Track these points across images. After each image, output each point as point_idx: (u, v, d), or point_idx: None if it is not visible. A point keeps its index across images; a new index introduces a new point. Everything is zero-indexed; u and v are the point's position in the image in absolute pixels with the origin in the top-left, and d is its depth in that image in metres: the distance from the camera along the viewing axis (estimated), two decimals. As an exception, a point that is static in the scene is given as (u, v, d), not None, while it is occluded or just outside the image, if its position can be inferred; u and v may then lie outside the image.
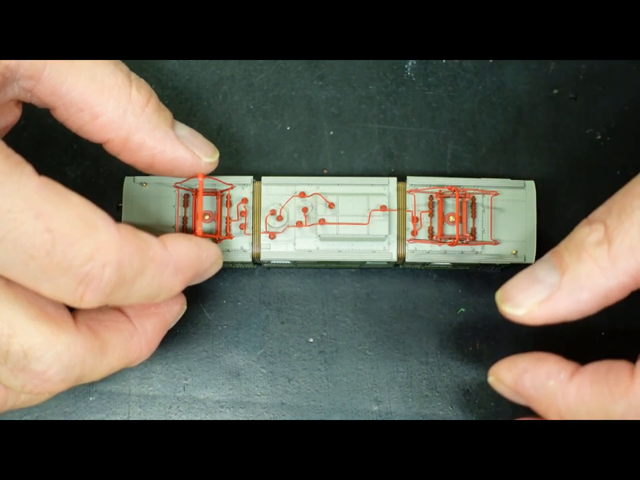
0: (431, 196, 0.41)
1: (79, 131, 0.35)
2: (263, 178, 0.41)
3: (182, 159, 0.37)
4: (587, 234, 0.34)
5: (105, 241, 0.31)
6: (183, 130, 0.37)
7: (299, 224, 0.41)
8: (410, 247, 0.41)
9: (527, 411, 0.38)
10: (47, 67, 0.34)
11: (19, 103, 0.36)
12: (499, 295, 0.36)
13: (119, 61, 0.35)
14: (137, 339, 0.37)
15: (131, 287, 0.33)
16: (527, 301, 0.35)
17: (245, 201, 0.41)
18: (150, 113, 0.35)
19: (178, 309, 0.39)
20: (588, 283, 0.34)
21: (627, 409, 0.34)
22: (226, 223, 0.41)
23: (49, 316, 0.33)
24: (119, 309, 0.37)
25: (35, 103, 0.35)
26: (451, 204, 0.41)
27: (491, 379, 0.38)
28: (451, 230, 0.41)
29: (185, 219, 0.41)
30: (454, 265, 0.42)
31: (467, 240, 0.41)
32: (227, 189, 0.41)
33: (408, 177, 0.41)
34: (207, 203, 0.41)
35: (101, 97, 0.34)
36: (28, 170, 0.31)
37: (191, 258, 0.35)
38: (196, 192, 0.40)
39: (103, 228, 0.32)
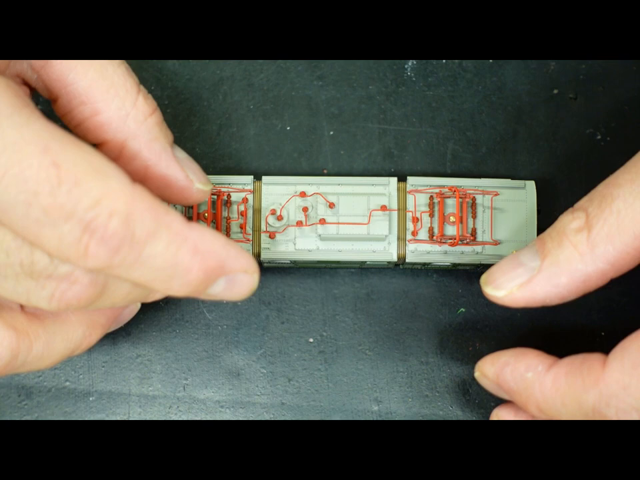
0: (431, 196, 0.41)
1: (77, 128, 0.35)
2: (264, 177, 0.41)
3: (174, 177, 0.36)
4: (569, 221, 0.36)
5: (114, 189, 0.30)
6: (181, 153, 0.36)
7: (299, 223, 0.41)
8: (410, 247, 0.41)
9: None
10: None
11: (25, 84, 0.36)
12: (483, 278, 0.38)
13: (130, 70, 0.35)
14: None
15: (140, 249, 0.30)
16: (508, 284, 0.36)
17: (245, 200, 0.41)
18: (152, 124, 0.35)
19: None
20: (567, 268, 0.35)
21: (598, 399, 0.34)
22: (226, 222, 0.41)
23: None
24: None
25: (39, 89, 0.35)
26: (451, 204, 0.41)
27: (476, 374, 0.39)
28: (451, 230, 0.41)
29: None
30: (454, 265, 0.42)
31: (467, 240, 0.41)
32: (226, 191, 0.41)
33: (408, 177, 0.41)
34: (206, 201, 0.41)
35: (106, 94, 0.34)
36: (37, 112, 0.30)
37: (216, 245, 0.32)
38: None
39: (115, 177, 0.30)
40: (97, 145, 0.35)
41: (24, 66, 0.34)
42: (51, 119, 0.31)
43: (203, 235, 0.31)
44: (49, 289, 0.32)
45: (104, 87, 0.34)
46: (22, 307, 0.35)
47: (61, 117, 0.35)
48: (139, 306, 0.39)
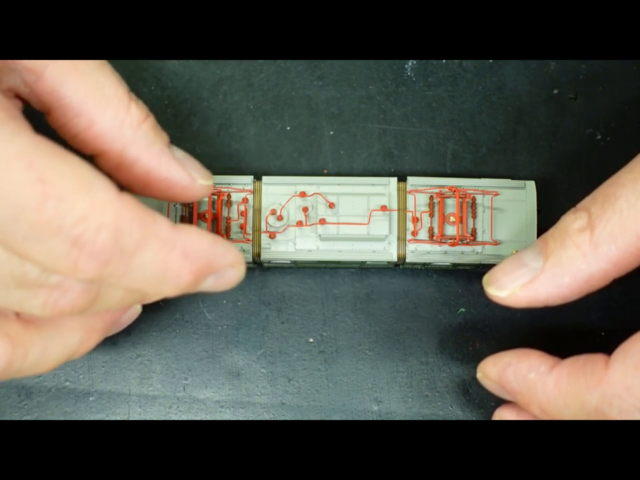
0: (432, 196, 0.41)
1: (73, 139, 0.35)
2: (264, 177, 0.41)
3: (177, 178, 0.36)
4: (571, 221, 0.36)
5: (102, 201, 0.30)
6: (179, 152, 0.37)
7: (299, 224, 0.41)
8: (410, 247, 0.41)
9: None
10: (50, 65, 0.34)
11: (18, 98, 0.36)
12: (486, 278, 0.38)
13: (121, 78, 0.35)
14: None
15: (130, 260, 0.30)
16: (510, 284, 0.36)
17: (245, 200, 0.41)
18: (147, 129, 0.35)
19: None
20: (569, 268, 0.35)
21: (601, 399, 0.34)
22: (226, 222, 0.41)
23: None
24: None
25: (33, 102, 0.35)
26: (451, 204, 0.41)
27: (479, 375, 0.39)
28: (451, 230, 0.41)
29: (184, 217, 0.41)
30: (454, 265, 0.42)
31: (468, 240, 0.41)
32: (226, 191, 0.41)
33: (408, 177, 0.41)
34: (207, 202, 0.41)
35: (100, 104, 0.34)
36: (24, 124, 0.30)
37: (204, 246, 0.32)
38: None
39: (101, 188, 0.30)
40: (96, 155, 0.35)
41: (17, 80, 0.34)
42: (48, 129, 0.31)
43: (190, 238, 0.32)
44: (42, 298, 0.32)
45: (97, 98, 0.34)
46: (17, 313, 0.35)
47: (56, 129, 0.35)
48: (139, 310, 0.39)
